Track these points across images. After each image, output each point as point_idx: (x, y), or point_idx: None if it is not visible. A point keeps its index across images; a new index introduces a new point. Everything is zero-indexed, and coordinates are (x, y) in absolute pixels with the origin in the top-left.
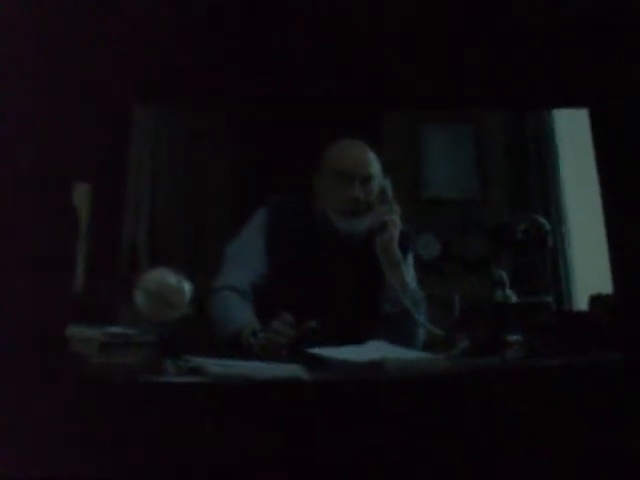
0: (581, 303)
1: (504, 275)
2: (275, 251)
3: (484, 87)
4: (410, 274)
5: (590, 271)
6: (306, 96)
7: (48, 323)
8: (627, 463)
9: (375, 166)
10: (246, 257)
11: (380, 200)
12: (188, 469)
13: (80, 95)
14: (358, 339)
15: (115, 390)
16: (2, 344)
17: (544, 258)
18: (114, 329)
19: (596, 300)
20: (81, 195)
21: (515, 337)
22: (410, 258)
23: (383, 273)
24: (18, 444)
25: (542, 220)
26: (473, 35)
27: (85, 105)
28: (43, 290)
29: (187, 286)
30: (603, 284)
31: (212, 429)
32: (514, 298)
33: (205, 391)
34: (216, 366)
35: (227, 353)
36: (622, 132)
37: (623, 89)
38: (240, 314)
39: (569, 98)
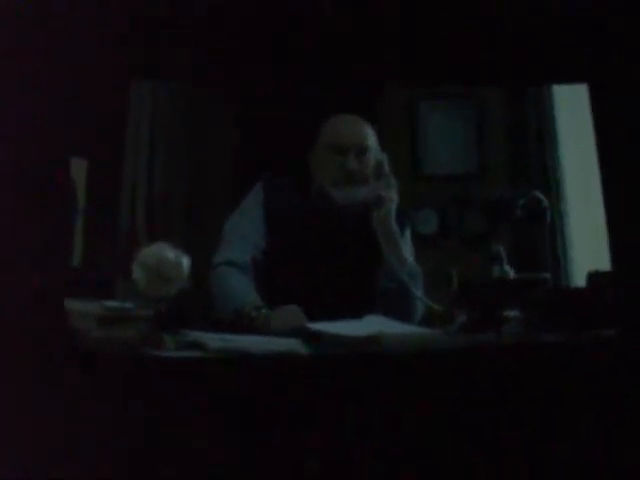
0: (579, 279)
1: (502, 250)
2: (273, 226)
3: (483, 63)
4: (408, 249)
5: (588, 247)
6: (304, 73)
7: (46, 298)
8: (624, 438)
9: (371, 138)
10: (245, 232)
11: (377, 174)
12: (186, 443)
13: (78, 71)
14: (355, 314)
15: (114, 364)
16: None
17: (542, 234)
18: (112, 303)
19: (594, 276)
20: (78, 171)
21: (512, 313)
22: (408, 233)
23: (381, 248)
24: (17, 417)
25: (541, 196)
26: (472, 10)
27: (83, 81)
28: (41, 265)
29: (185, 261)
30: (601, 260)
31: (210, 403)
32: (512, 274)
33: (203, 365)
34: (214, 340)
35: (225, 328)
36: (622, 108)
37: (623, 64)
38: (241, 290)
39: (568, 73)
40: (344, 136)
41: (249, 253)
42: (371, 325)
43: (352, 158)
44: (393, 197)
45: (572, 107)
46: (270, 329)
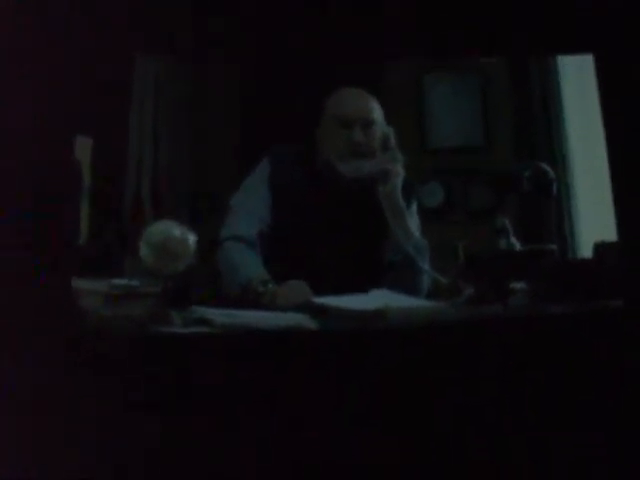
0: (585, 251)
1: (508, 223)
2: (280, 200)
3: (487, 33)
4: (414, 223)
5: (594, 219)
6: (308, 47)
7: (53, 276)
8: (628, 410)
9: (377, 112)
10: (251, 207)
11: (383, 147)
12: (195, 419)
13: (81, 49)
14: (362, 288)
15: (121, 341)
16: (9, 298)
17: (549, 206)
18: (119, 281)
19: (600, 248)
20: (84, 149)
21: (519, 285)
22: (414, 207)
23: (387, 222)
24: (21, 389)
25: (547, 168)
26: None
27: (86, 59)
28: (48, 244)
29: (192, 237)
30: (607, 232)
31: (218, 378)
32: (518, 246)
33: (211, 341)
34: (222, 316)
35: (232, 303)
36: (628, 78)
37: (628, 34)
38: (248, 264)
39: (574, 43)
40: (350, 109)
41: (255, 228)
42: (377, 299)
43: (358, 131)
44: (399, 171)
45: (578, 78)
46: (276, 304)
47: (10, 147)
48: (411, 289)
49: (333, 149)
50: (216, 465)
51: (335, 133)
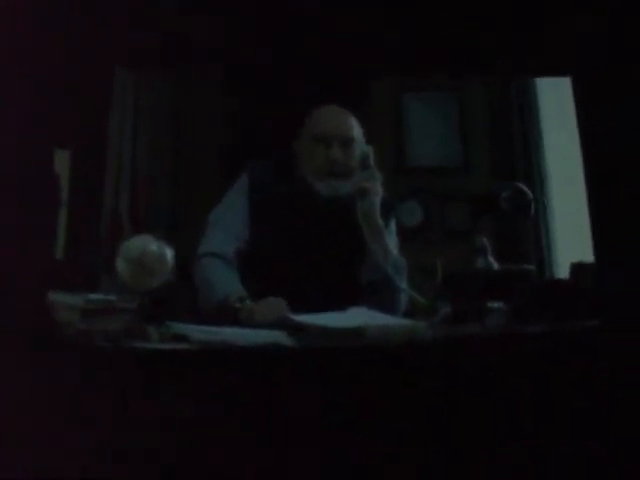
0: (562, 271)
1: (486, 242)
2: (257, 217)
3: (467, 56)
4: (392, 241)
5: (572, 239)
6: (290, 64)
7: (30, 290)
8: (607, 428)
9: (355, 130)
10: (229, 223)
11: (361, 166)
12: (171, 435)
13: (62, 61)
14: (340, 306)
15: (98, 356)
16: None
17: (526, 226)
18: (96, 296)
19: (577, 268)
20: (61, 162)
21: (496, 304)
22: (392, 225)
23: (365, 240)
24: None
25: (524, 188)
26: (457, 3)
27: (66, 71)
28: (25, 258)
29: (169, 253)
30: (584, 252)
31: (195, 395)
32: (496, 266)
33: (187, 357)
34: (199, 332)
35: (209, 320)
36: (605, 101)
37: (606, 57)
38: (224, 281)
39: (552, 66)
40: (328, 127)
41: (233, 245)
42: (355, 317)
43: (336, 149)
44: (377, 190)
45: (556, 99)
46: (253, 320)
47: None
48: (389, 308)
49: (311, 167)
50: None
51: (313, 151)
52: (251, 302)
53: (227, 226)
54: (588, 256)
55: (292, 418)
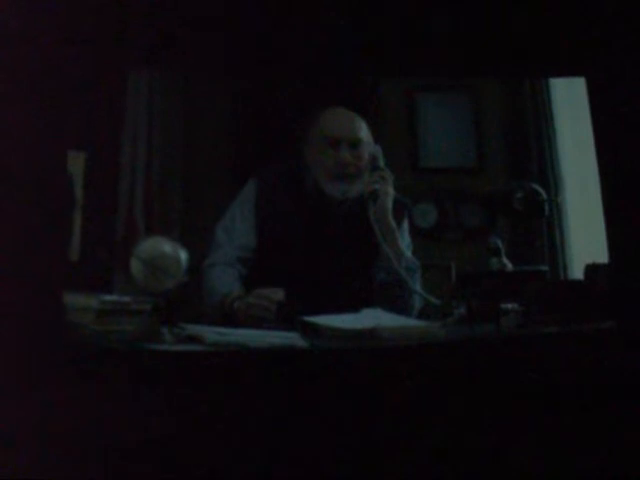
0: (577, 272)
1: (500, 243)
2: (266, 222)
3: (481, 56)
4: (405, 242)
5: (586, 240)
6: (301, 64)
7: (45, 292)
8: (622, 427)
9: (364, 132)
10: (235, 234)
11: (371, 167)
12: (185, 436)
13: (76, 62)
14: (353, 308)
15: (112, 358)
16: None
17: (540, 226)
18: (110, 297)
19: (591, 269)
20: (76, 164)
21: (510, 305)
22: (405, 226)
23: (378, 242)
24: (15, 407)
25: (539, 189)
26: (471, 3)
27: (80, 73)
28: (40, 259)
29: (183, 254)
30: (599, 253)
31: (208, 396)
32: (510, 266)
33: (201, 358)
34: (213, 334)
35: (222, 321)
36: (619, 101)
37: (620, 57)
38: (223, 282)
39: (566, 67)
40: (337, 129)
41: (237, 252)
42: (369, 318)
43: (345, 151)
44: (388, 191)
45: (569, 98)
46: (251, 314)
47: (2, 162)
48: (402, 309)
49: (320, 169)
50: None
51: (322, 153)
52: (243, 302)
53: (233, 236)
54: (602, 257)
55: (306, 418)
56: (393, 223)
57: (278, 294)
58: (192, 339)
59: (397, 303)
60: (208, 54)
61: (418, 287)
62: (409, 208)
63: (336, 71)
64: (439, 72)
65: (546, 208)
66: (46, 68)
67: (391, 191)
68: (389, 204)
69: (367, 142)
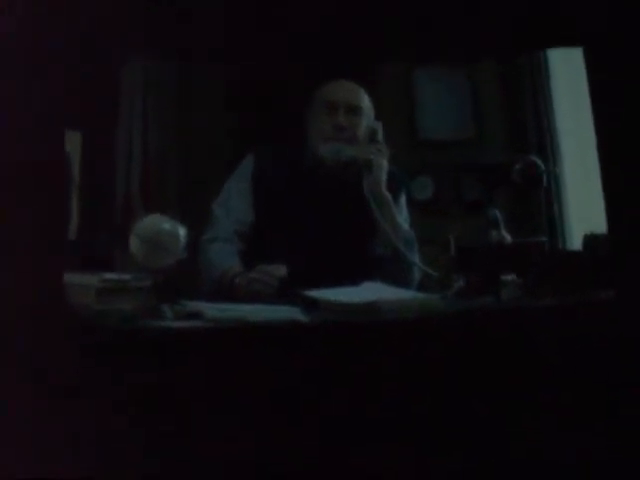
0: (576, 243)
1: (499, 215)
2: (263, 197)
3: (478, 27)
4: (402, 215)
5: (585, 211)
6: (300, 41)
7: (44, 272)
8: (621, 399)
9: (364, 101)
10: (232, 208)
11: (369, 140)
12: (186, 413)
13: (74, 45)
14: (352, 281)
15: (112, 335)
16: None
17: (539, 198)
18: (110, 275)
19: (590, 239)
20: (73, 143)
21: (510, 277)
22: (402, 199)
23: (374, 215)
24: (17, 389)
25: (537, 160)
26: None
27: (79, 54)
28: (38, 239)
29: (182, 231)
30: (597, 224)
31: (209, 372)
32: (509, 238)
33: (202, 335)
34: (213, 310)
35: (222, 297)
36: (617, 71)
37: (618, 27)
38: (222, 259)
39: (564, 37)
40: (336, 94)
41: (236, 228)
42: (369, 291)
43: (341, 114)
44: (382, 163)
45: (567, 69)
46: (252, 289)
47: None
48: (401, 282)
49: (316, 132)
50: (210, 457)
51: (320, 117)
52: (244, 278)
53: (229, 211)
54: (601, 227)
55: (308, 392)
56: (388, 195)
57: (280, 270)
58: (192, 315)
59: (396, 276)
60: (205, 31)
61: (416, 260)
62: (406, 182)
63: (337, 45)
64: (435, 42)
65: (545, 180)
66: (45, 48)
67: (385, 164)
68: (383, 176)
69: (367, 113)
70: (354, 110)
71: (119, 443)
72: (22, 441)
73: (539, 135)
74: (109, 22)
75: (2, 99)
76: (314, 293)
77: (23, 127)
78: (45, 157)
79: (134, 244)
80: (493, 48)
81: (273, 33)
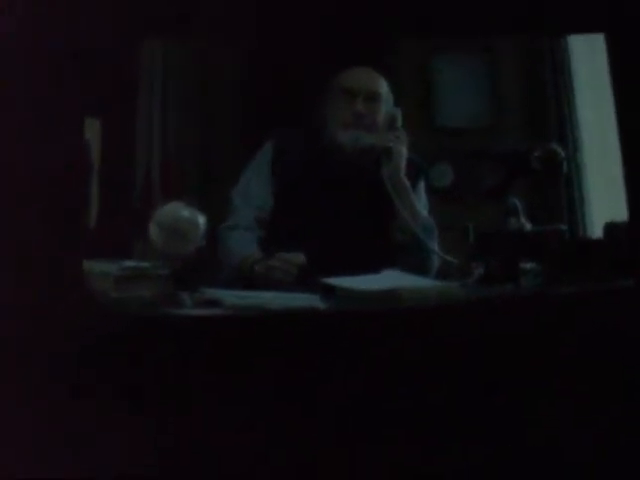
0: (596, 231)
1: (518, 203)
2: (283, 183)
3: (499, 12)
4: (422, 203)
5: (605, 199)
6: (318, 26)
7: (64, 258)
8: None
9: (383, 88)
10: (251, 195)
11: (389, 127)
12: (204, 400)
13: (94, 30)
14: (372, 269)
15: (132, 323)
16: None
17: (559, 186)
18: (130, 263)
19: (611, 228)
20: (92, 131)
21: (529, 265)
22: (422, 186)
23: (393, 202)
24: (36, 374)
25: (557, 148)
26: None
27: (97, 40)
28: (58, 226)
29: (201, 219)
30: (618, 212)
31: (228, 359)
32: (528, 226)
33: (221, 322)
34: (232, 297)
35: (241, 285)
36: (639, 57)
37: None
38: (241, 246)
39: (585, 23)
40: (355, 81)
41: (254, 214)
42: (389, 279)
43: (360, 101)
44: (401, 150)
45: (588, 57)
46: (272, 277)
47: (20, 129)
48: (420, 269)
49: (335, 120)
50: (226, 446)
51: (339, 104)
52: (264, 265)
53: (248, 198)
54: (622, 215)
55: (326, 381)
56: (406, 182)
57: (300, 258)
58: (211, 303)
59: (415, 264)
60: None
61: (435, 247)
62: (425, 169)
63: (355, 30)
64: (456, 30)
65: (565, 167)
66: (63, 35)
67: (404, 151)
68: (402, 163)
69: (386, 99)
70: (373, 97)
71: (122, 440)
72: (22, 441)
73: (559, 122)
74: (127, 5)
75: (21, 87)
76: (333, 281)
77: (43, 114)
78: (65, 145)
79: (153, 231)
80: (512, 33)
81: (291, 17)
